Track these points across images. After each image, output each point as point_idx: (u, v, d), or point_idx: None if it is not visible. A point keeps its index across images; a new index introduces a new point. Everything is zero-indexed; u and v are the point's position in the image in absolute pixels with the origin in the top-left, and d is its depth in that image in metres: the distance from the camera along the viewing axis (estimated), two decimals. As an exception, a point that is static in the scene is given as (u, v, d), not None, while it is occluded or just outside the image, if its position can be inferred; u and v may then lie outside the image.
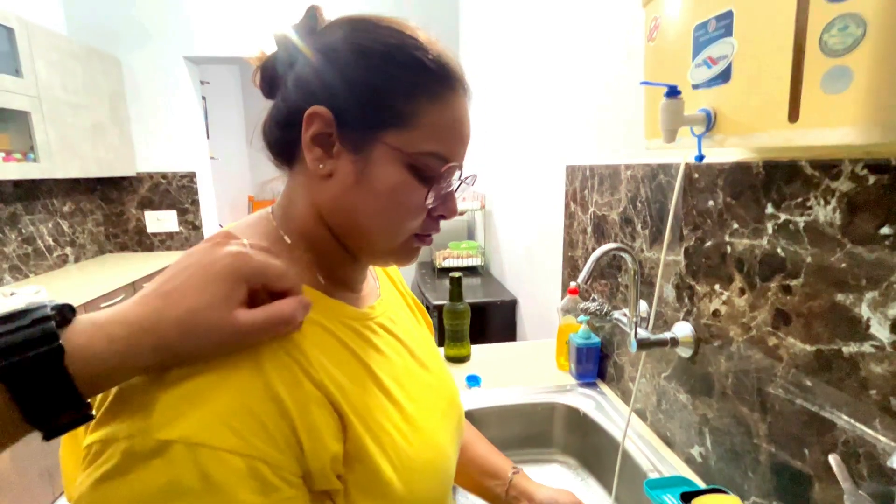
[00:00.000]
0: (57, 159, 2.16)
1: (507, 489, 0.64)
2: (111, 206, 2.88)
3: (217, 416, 0.30)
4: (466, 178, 0.46)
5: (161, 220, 2.91)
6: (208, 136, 4.06)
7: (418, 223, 0.42)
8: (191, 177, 2.89)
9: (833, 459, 0.45)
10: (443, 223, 0.46)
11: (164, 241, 2.94)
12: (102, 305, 2.02)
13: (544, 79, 1.50)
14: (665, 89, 0.50)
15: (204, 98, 3.91)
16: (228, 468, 0.29)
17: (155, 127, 2.83)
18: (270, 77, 0.43)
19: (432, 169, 0.39)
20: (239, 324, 0.30)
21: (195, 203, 2.93)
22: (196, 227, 2.95)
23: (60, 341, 0.26)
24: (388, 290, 0.55)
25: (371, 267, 0.55)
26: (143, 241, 2.93)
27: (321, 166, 0.39)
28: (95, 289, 2.01)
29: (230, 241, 0.34)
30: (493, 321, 1.96)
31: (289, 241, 0.43)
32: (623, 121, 1.01)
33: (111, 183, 2.84)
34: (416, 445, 0.42)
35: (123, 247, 2.93)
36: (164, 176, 2.88)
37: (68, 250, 2.56)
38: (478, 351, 1.29)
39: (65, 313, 0.29)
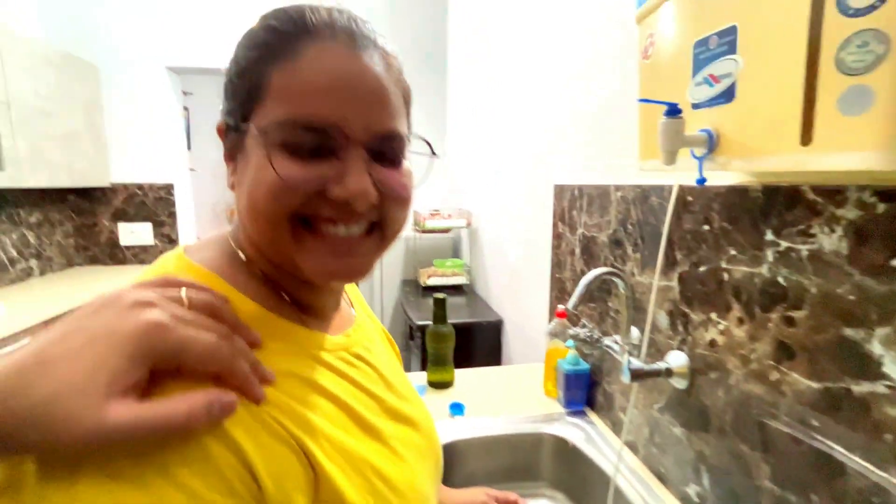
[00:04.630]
0: (25, 168, 2.06)
1: None
2: (82, 218, 2.76)
3: (164, 466, 0.25)
4: (391, 142, 0.35)
5: (135, 233, 2.80)
6: (190, 148, 3.97)
7: (293, 201, 0.33)
8: (168, 188, 2.80)
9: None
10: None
11: (138, 255, 2.83)
12: (65, 322, 1.90)
13: (533, 95, 1.48)
14: (664, 108, 0.46)
15: (186, 109, 3.83)
16: None
17: (132, 137, 2.74)
18: None
19: (299, 139, 0.32)
20: (106, 420, 0.23)
21: (172, 216, 2.83)
22: (172, 241, 2.85)
23: None
24: (362, 317, 0.50)
25: (345, 292, 0.50)
26: (116, 255, 2.81)
27: (230, 179, 0.38)
28: (59, 304, 1.89)
29: (165, 292, 0.28)
30: (478, 342, 1.90)
31: (244, 257, 0.38)
32: (613, 140, 0.99)
33: (83, 193, 2.73)
34: (397, 490, 0.37)
35: (94, 260, 2.81)
36: (139, 187, 2.78)
37: (33, 263, 2.43)
38: (462, 375, 1.24)
39: None
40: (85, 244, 2.78)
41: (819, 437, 0.51)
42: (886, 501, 0.45)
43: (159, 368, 0.26)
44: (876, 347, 0.45)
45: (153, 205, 2.80)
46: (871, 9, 0.31)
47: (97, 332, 0.24)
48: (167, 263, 0.37)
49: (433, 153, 0.40)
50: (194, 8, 2.67)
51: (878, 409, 0.45)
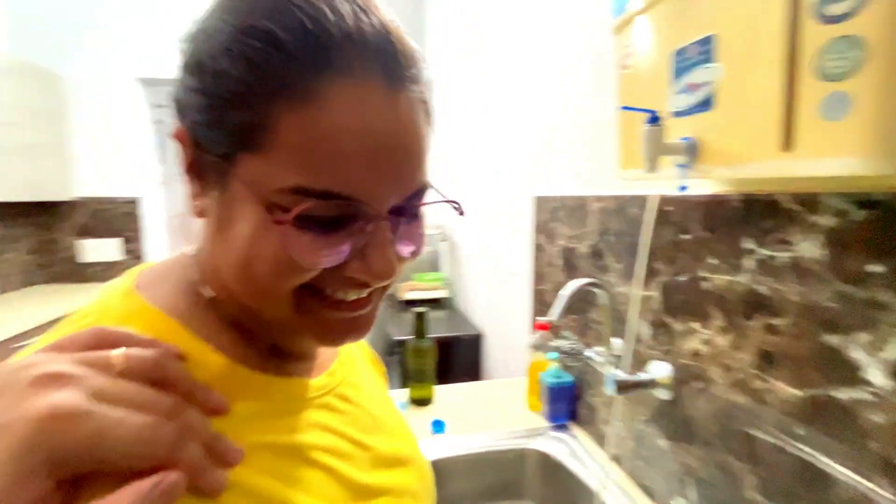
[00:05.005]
0: (-20, 181, 1.95)
1: None
2: (42, 233, 2.62)
3: None
4: (408, 215, 0.30)
5: (99, 249, 2.68)
6: (163, 161, 3.87)
7: (302, 278, 0.28)
8: (137, 203, 2.70)
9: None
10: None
11: (103, 272, 2.70)
12: (13, 347, 1.79)
13: (511, 106, 1.50)
14: (645, 117, 0.46)
15: (161, 121, 3.74)
16: None
17: (100, 150, 2.64)
18: None
19: (317, 211, 0.26)
20: None
21: (141, 231, 2.72)
22: (138, 257, 2.73)
23: None
24: (348, 345, 0.47)
25: None
26: (78, 272, 2.68)
27: (196, 203, 0.30)
28: (15, 325, 1.78)
29: (89, 356, 0.22)
30: (458, 357, 1.88)
31: (207, 294, 0.32)
32: (591, 151, 1.00)
33: (43, 208, 2.60)
34: None
35: (55, 278, 2.66)
36: (107, 201, 2.67)
37: (-13, 281, 2.29)
38: (442, 391, 1.21)
39: None
40: (45, 261, 2.64)
41: (804, 447, 0.51)
42: (875, 510, 0.44)
43: (75, 473, 0.20)
44: (858, 354, 0.45)
45: (120, 220, 2.69)
46: (846, 16, 0.31)
47: None
48: (110, 303, 0.30)
49: (461, 212, 0.34)
50: (167, 18, 2.62)
51: (862, 417, 0.45)
